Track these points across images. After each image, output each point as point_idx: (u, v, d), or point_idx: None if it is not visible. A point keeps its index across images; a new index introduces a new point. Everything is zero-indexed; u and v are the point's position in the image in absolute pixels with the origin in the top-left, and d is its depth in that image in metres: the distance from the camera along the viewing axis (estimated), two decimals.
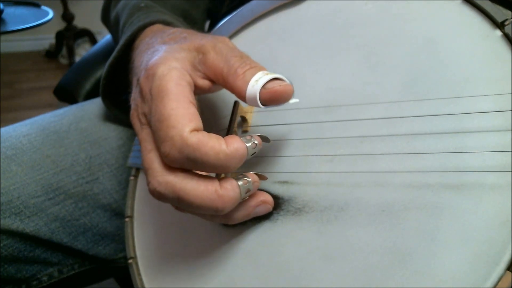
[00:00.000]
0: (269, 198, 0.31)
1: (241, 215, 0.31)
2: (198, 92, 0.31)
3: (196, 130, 0.27)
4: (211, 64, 0.30)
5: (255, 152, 0.28)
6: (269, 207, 0.31)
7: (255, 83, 0.28)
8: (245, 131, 0.36)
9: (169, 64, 0.29)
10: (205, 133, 0.27)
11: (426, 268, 0.25)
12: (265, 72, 0.29)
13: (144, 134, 0.30)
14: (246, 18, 0.41)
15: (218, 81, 0.30)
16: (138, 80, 0.31)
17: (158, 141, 0.27)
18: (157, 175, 0.28)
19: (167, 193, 0.27)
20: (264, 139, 0.30)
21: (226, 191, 0.27)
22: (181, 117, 0.27)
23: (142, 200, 0.42)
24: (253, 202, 0.31)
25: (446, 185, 0.26)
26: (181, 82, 0.29)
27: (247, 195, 0.29)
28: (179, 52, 0.31)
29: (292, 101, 0.29)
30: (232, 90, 0.29)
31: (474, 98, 0.27)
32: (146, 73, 0.30)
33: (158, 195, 0.28)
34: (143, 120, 0.30)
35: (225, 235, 0.34)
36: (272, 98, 0.28)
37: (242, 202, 0.30)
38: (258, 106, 0.28)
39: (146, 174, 0.29)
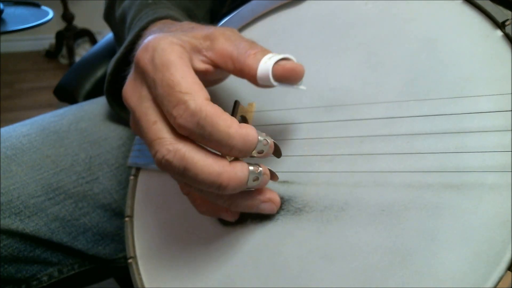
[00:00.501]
0: (277, 199, 0.31)
1: (244, 203, 0.30)
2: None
3: (208, 99, 0.27)
4: (220, 48, 0.30)
5: (263, 151, 0.28)
6: (274, 207, 0.31)
7: (268, 60, 0.28)
8: None
9: (170, 39, 0.29)
10: (219, 107, 0.27)
11: (426, 268, 0.25)
12: (276, 54, 0.29)
13: (143, 108, 0.29)
14: (246, 18, 0.41)
15: (226, 64, 0.30)
16: (134, 56, 0.30)
17: (168, 106, 0.26)
18: (167, 143, 0.27)
19: (175, 162, 0.26)
20: (277, 149, 0.30)
21: (234, 169, 0.27)
22: (192, 84, 0.26)
23: (142, 199, 0.42)
24: (261, 195, 0.30)
25: (446, 185, 0.26)
26: (183, 56, 0.28)
27: (254, 184, 0.28)
28: (182, 35, 0.30)
29: (301, 86, 0.29)
30: (242, 69, 0.29)
31: (474, 98, 0.27)
32: (144, 46, 0.29)
33: (165, 163, 0.27)
34: (143, 92, 0.29)
35: (225, 234, 0.34)
36: (285, 75, 0.28)
37: (249, 191, 0.30)
38: (269, 83, 0.28)
39: (152, 145, 0.27)
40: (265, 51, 0.29)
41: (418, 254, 0.25)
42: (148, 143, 0.28)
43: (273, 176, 0.30)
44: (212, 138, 0.26)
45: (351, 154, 0.30)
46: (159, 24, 0.38)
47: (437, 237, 0.25)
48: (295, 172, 0.32)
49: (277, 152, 0.30)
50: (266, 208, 0.31)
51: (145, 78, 0.29)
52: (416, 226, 0.26)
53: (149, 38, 0.29)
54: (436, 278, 0.24)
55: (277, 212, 0.32)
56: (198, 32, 0.31)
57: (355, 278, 0.27)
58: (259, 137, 0.27)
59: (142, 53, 0.29)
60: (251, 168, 0.28)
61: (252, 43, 0.30)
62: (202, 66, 0.30)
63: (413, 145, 0.28)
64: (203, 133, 0.26)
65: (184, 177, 0.27)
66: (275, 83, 0.28)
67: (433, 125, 0.28)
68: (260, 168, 0.28)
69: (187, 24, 0.34)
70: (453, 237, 0.24)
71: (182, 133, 0.27)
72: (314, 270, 0.28)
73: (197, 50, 0.30)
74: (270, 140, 0.28)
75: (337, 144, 0.31)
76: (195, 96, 0.26)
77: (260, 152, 0.28)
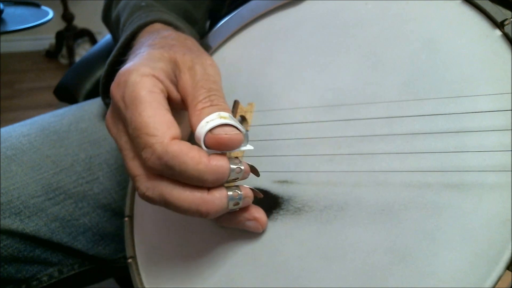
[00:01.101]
0: (263, 219, 0.31)
1: (230, 220, 0.31)
2: (172, 105, 0.30)
3: (176, 137, 0.27)
4: (182, 86, 0.30)
5: (237, 178, 0.28)
6: (259, 226, 0.31)
7: (205, 124, 0.27)
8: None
9: (142, 71, 0.29)
10: (187, 143, 0.27)
11: (426, 267, 0.25)
12: (222, 114, 0.28)
13: (123, 142, 0.30)
14: (246, 18, 0.41)
15: (184, 102, 0.30)
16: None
17: (137, 148, 0.27)
18: (144, 180, 0.28)
19: (155, 197, 0.28)
20: (254, 170, 0.30)
21: (213, 198, 0.27)
22: (160, 125, 0.27)
23: (142, 199, 0.41)
24: (246, 214, 0.30)
25: (446, 184, 0.26)
26: (154, 89, 0.28)
27: (236, 208, 0.29)
28: (157, 61, 0.30)
29: (244, 148, 0.28)
30: (189, 122, 0.29)
31: (474, 98, 0.27)
32: (117, 79, 0.29)
33: (147, 199, 0.28)
34: (120, 127, 0.30)
35: (224, 234, 0.33)
36: (215, 144, 0.27)
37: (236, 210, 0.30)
38: (202, 148, 0.28)
39: (133, 181, 0.29)
40: (213, 108, 0.28)
41: (418, 253, 0.25)
42: (130, 177, 0.29)
43: (256, 194, 0.30)
44: (183, 175, 0.27)
45: (351, 154, 0.30)
46: (146, 34, 0.38)
47: (437, 236, 0.25)
48: (294, 171, 0.32)
49: (255, 173, 0.30)
50: (251, 226, 0.31)
51: (119, 114, 0.29)
52: (416, 225, 0.26)
53: (123, 69, 0.30)
54: (436, 277, 0.24)
55: (277, 212, 0.32)
56: (174, 54, 0.31)
57: (355, 278, 0.27)
58: (231, 166, 0.27)
59: (115, 87, 0.29)
60: (230, 193, 0.28)
61: (210, 91, 0.29)
62: (177, 95, 0.31)
63: (413, 144, 0.28)
64: (173, 172, 0.27)
65: (168, 208, 0.28)
66: (206, 150, 0.27)
67: (433, 125, 0.28)
68: (240, 193, 0.29)
69: (170, 39, 0.34)
70: (453, 237, 0.24)
71: (154, 173, 0.28)
72: (314, 270, 0.28)
73: (170, 78, 0.30)
74: (245, 166, 0.28)
75: (337, 143, 0.31)
76: (162, 138, 0.26)
77: (234, 179, 0.28)
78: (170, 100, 0.30)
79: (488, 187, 0.25)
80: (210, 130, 0.27)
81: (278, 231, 0.31)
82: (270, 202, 0.32)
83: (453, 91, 0.28)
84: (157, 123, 0.27)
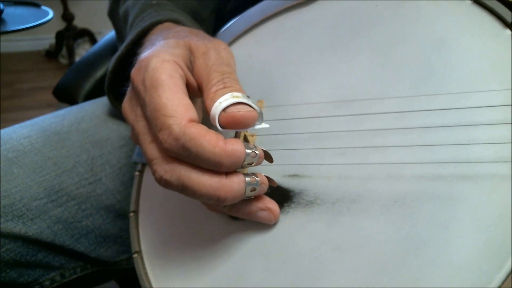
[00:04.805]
0: (276, 210, 0.31)
1: (243, 209, 0.30)
2: (189, 91, 0.31)
3: (193, 120, 0.27)
4: (197, 71, 0.31)
5: (253, 163, 0.28)
6: (272, 217, 0.31)
7: (219, 105, 0.28)
8: None
9: (162, 56, 0.29)
10: (204, 126, 0.27)
11: (441, 256, 0.25)
12: (236, 94, 0.28)
13: (140, 127, 0.30)
14: (257, 18, 0.41)
15: (200, 89, 0.31)
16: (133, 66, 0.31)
17: (155, 129, 0.28)
18: (163, 163, 0.28)
19: (173, 181, 0.27)
20: (268, 156, 0.30)
21: (231, 182, 0.27)
22: (178, 107, 0.27)
23: (147, 195, 0.41)
24: (260, 203, 0.30)
25: (459, 176, 0.26)
26: (174, 74, 0.29)
27: (252, 194, 0.29)
28: (175, 48, 0.31)
29: (259, 126, 0.29)
30: (204, 106, 0.30)
31: (484, 94, 0.27)
32: (138, 64, 0.30)
33: (164, 182, 0.28)
34: (138, 112, 0.30)
35: (233, 227, 0.33)
36: (229, 122, 0.28)
37: (249, 199, 0.30)
38: (217, 128, 0.28)
39: (150, 164, 0.29)
40: (226, 90, 0.29)
41: (432, 243, 0.25)
42: (147, 161, 0.29)
43: (271, 182, 0.31)
44: (199, 158, 0.27)
45: (364, 147, 0.30)
46: (158, 31, 0.38)
47: (450, 226, 0.25)
48: (306, 164, 0.32)
49: (268, 159, 0.30)
50: (264, 216, 0.31)
51: (138, 97, 0.30)
52: (429, 216, 0.26)
53: (143, 55, 0.30)
54: (451, 266, 0.24)
55: (288, 205, 0.32)
56: (188, 41, 0.31)
57: (368, 269, 0.27)
58: (246, 150, 0.27)
59: (135, 72, 0.30)
60: (247, 179, 0.28)
61: (223, 74, 0.30)
62: (193, 81, 0.31)
63: (424, 138, 0.28)
64: (190, 155, 0.27)
65: (184, 193, 0.28)
66: (220, 129, 0.28)
67: (444, 119, 0.28)
68: (257, 178, 0.29)
69: (183, 32, 0.34)
70: (466, 227, 0.25)
71: (171, 156, 0.28)
72: (326, 262, 0.28)
73: (187, 65, 0.31)
74: (259, 151, 0.28)
75: (350, 138, 0.31)
76: (179, 120, 0.27)
77: (250, 164, 0.28)
78: (187, 86, 0.30)
79: (500, 178, 0.25)
80: (224, 110, 0.27)
81: (289, 224, 0.31)
82: (281, 196, 0.32)
83: (463, 88, 0.28)
84: (175, 105, 0.27)
